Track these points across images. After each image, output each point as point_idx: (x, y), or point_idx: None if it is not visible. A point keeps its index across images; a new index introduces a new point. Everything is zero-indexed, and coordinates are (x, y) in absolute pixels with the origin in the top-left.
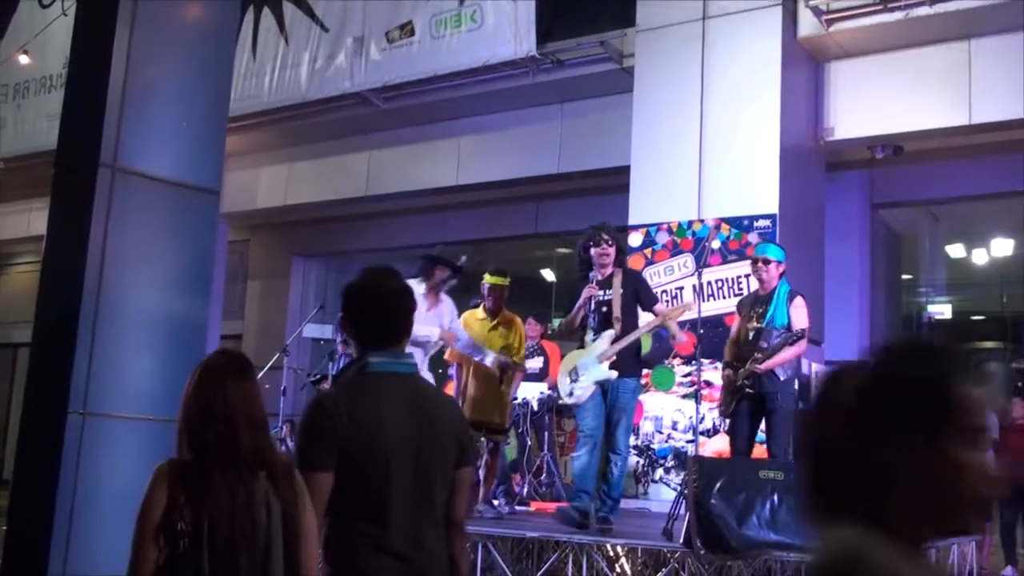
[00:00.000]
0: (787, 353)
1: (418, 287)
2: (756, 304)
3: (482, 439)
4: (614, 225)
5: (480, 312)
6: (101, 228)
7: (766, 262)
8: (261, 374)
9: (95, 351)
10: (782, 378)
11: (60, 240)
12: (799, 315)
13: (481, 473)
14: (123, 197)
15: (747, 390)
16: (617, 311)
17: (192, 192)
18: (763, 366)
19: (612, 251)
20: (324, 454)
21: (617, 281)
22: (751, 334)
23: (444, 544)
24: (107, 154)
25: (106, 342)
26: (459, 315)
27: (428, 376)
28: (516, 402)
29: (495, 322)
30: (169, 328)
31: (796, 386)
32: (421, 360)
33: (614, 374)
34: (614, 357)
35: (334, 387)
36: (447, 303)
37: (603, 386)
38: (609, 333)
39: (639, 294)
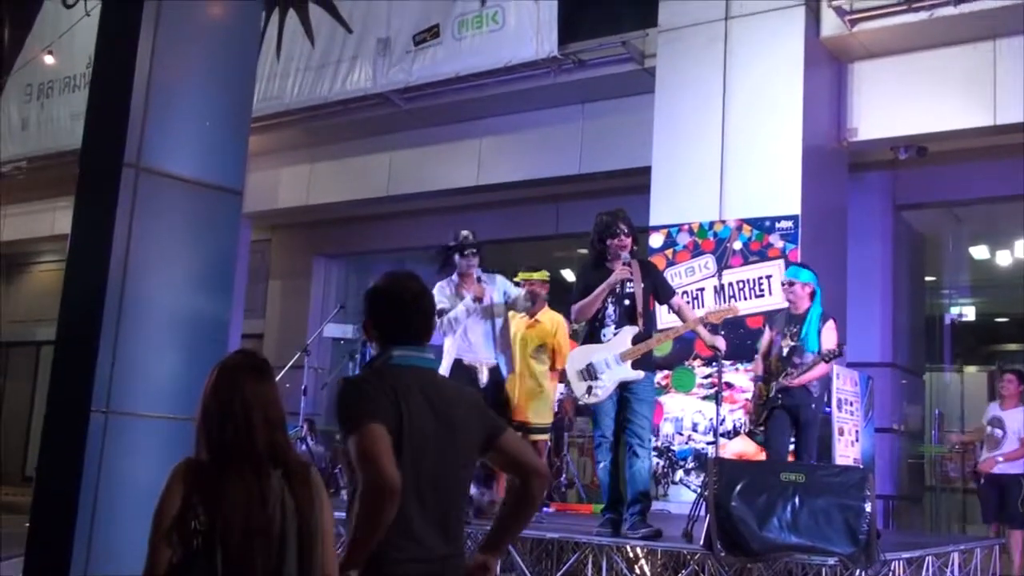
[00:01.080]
0: (818, 370)
1: (449, 284)
2: (790, 323)
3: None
4: (636, 226)
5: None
6: (125, 227)
7: (792, 284)
8: (282, 373)
9: (118, 350)
10: (815, 394)
11: (84, 239)
12: (829, 337)
13: None
14: (147, 197)
15: (779, 402)
16: (640, 306)
17: (215, 192)
18: (796, 381)
19: (629, 241)
20: (375, 408)
21: (637, 274)
22: (785, 351)
23: (462, 534)
24: (131, 154)
25: (129, 341)
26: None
27: (489, 352)
28: None
29: (533, 320)
30: (192, 327)
31: (826, 398)
32: (486, 335)
33: (640, 374)
34: (638, 356)
35: (363, 372)
36: (491, 283)
37: (622, 385)
38: (631, 329)
39: (656, 287)
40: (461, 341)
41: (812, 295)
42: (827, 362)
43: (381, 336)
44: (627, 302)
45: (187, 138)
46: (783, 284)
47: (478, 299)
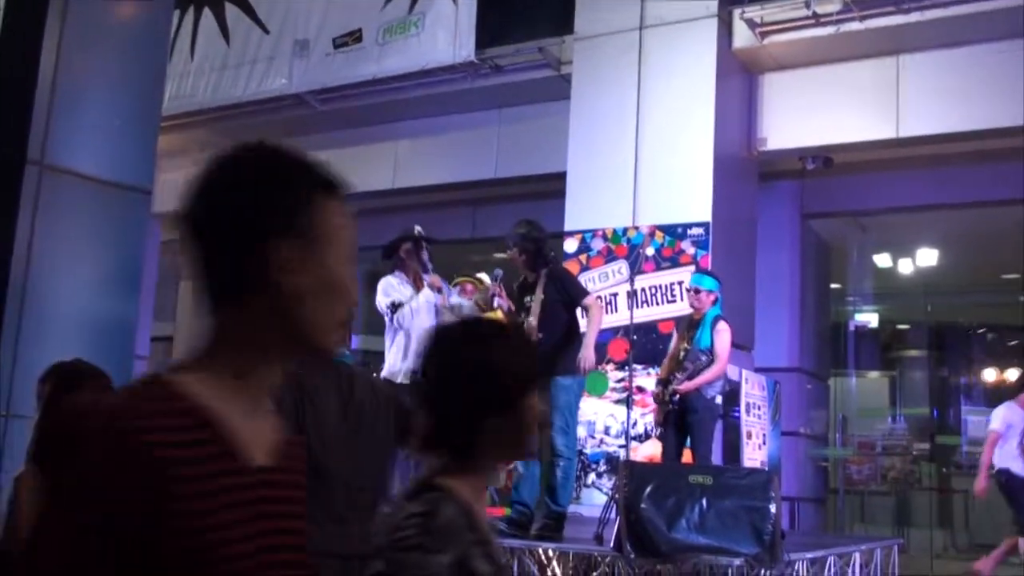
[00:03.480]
0: (704, 376)
1: (399, 279)
2: (690, 327)
3: None
4: (550, 231)
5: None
6: (28, 226)
7: (698, 291)
8: None
9: (19, 351)
10: (706, 396)
11: None
12: (721, 339)
13: None
14: (51, 195)
15: (672, 406)
16: (534, 319)
17: (123, 191)
18: (682, 387)
19: (521, 258)
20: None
21: (540, 286)
22: (682, 354)
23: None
24: (35, 151)
25: (31, 342)
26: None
27: None
28: None
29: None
30: (97, 328)
31: (720, 400)
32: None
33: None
34: None
35: None
36: (444, 280)
37: None
38: None
39: (566, 291)
40: (409, 342)
41: (714, 302)
42: (706, 368)
43: None
44: (529, 315)
45: (94, 136)
46: (688, 290)
47: (437, 288)
